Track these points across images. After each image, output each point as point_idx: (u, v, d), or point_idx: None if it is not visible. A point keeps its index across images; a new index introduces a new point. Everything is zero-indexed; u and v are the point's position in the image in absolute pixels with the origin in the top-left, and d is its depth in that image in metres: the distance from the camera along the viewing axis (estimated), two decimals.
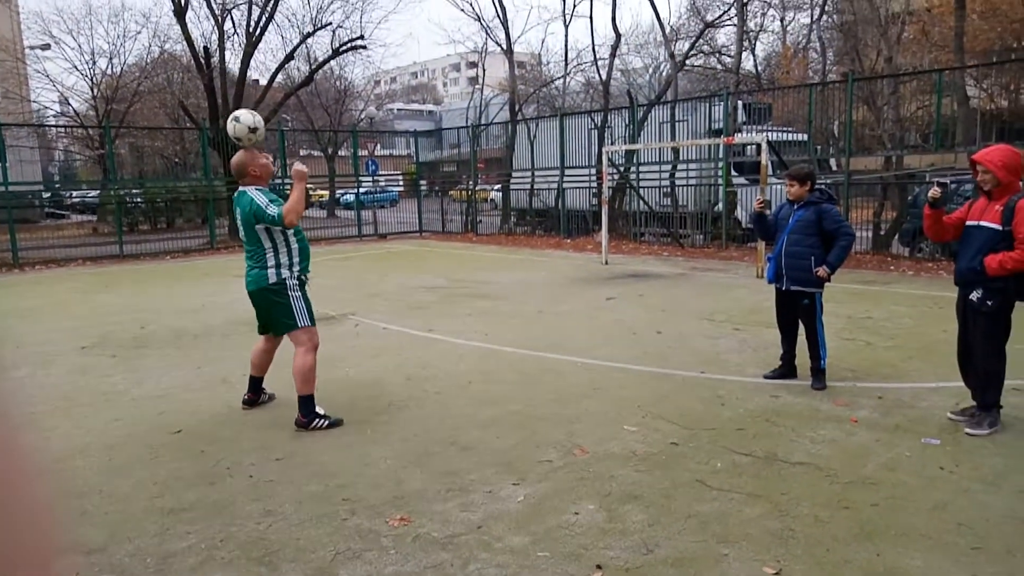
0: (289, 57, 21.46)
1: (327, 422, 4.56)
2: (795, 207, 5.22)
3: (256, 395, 5.05)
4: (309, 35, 21.51)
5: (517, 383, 5.51)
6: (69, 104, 27.49)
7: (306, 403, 4.56)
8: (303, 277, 4.68)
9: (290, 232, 4.58)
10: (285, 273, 4.58)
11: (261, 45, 21.92)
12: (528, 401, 5.05)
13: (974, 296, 4.28)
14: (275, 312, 4.63)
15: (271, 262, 4.57)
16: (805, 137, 14.09)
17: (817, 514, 3.30)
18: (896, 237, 13.20)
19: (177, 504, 3.56)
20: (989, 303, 4.21)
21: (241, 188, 4.57)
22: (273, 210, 4.41)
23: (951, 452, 3.97)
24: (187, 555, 3.08)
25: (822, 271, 5.05)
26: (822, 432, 4.33)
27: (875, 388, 5.16)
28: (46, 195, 24.55)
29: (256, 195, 4.49)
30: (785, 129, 15.33)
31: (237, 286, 11.13)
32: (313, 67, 23.22)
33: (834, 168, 14.42)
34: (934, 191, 4.36)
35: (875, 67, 16.73)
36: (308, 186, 24.08)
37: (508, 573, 2.88)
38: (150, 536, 3.25)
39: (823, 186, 5.37)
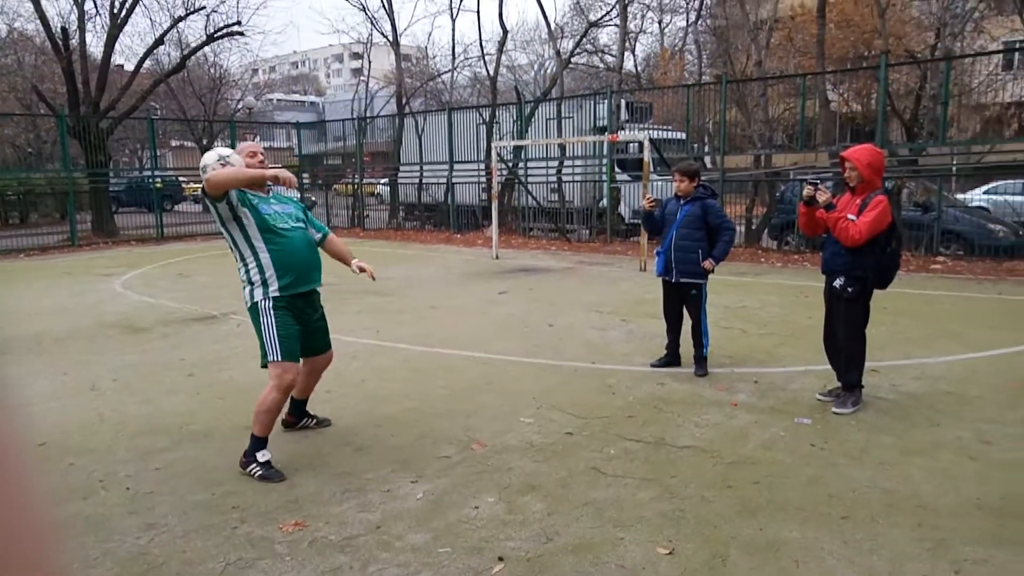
0: (159, 42, 20.17)
1: (260, 472, 3.73)
2: (682, 202, 5.45)
3: (296, 417, 4.40)
4: (181, 19, 20.28)
5: (411, 380, 5.45)
6: None
7: (253, 443, 3.79)
8: (288, 294, 3.84)
9: (257, 240, 3.77)
10: (258, 294, 3.80)
11: (127, 28, 20.49)
12: (423, 398, 5.01)
13: (837, 283, 4.63)
14: (258, 337, 3.87)
15: (243, 277, 3.86)
16: (683, 136, 14.73)
17: (704, 494, 3.46)
18: (766, 231, 14.06)
19: None
20: (850, 289, 4.56)
21: None
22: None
23: (821, 430, 4.27)
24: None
25: (708, 264, 5.31)
26: (706, 416, 4.55)
27: (752, 373, 5.48)
28: None
29: None
30: (664, 128, 15.97)
31: (103, 286, 10.44)
32: (185, 53, 21.96)
33: (708, 166, 15.16)
34: (808, 189, 4.67)
35: (745, 70, 17.72)
36: (182, 178, 22.55)
37: (409, 572, 2.85)
38: None
39: (705, 182, 5.64)
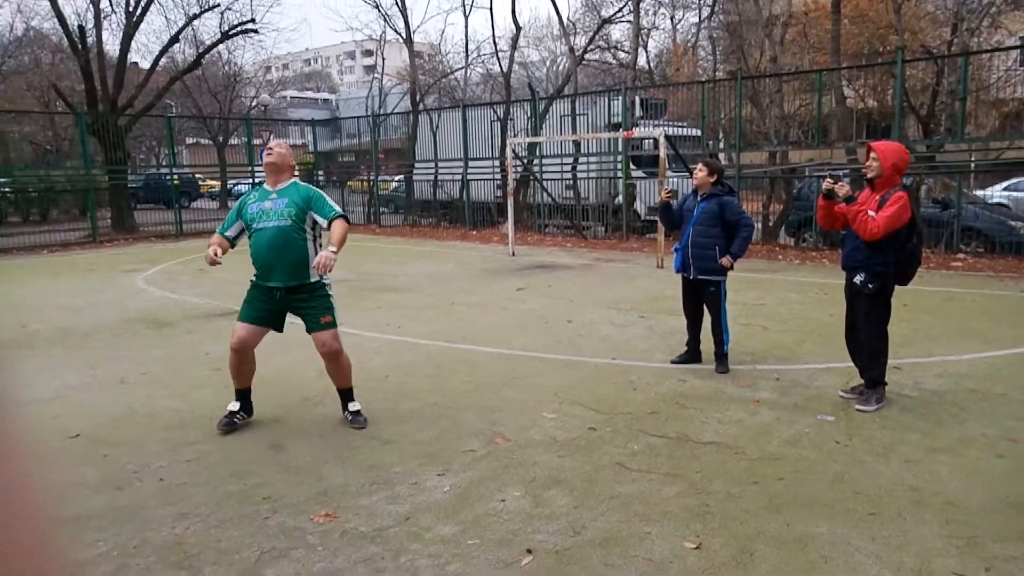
0: (174, 40, 20.31)
1: (222, 421, 4.38)
2: (699, 199, 5.46)
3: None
4: (195, 17, 20.44)
5: (434, 375, 5.50)
6: None
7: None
8: (258, 282, 4.38)
9: (246, 234, 4.43)
10: None
11: (143, 26, 20.59)
12: (446, 393, 5.05)
13: (857, 279, 4.62)
14: None
15: None
16: (698, 132, 14.70)
17: (729, 490, 3.49)
18: (783, 228, 14.00)
19: (81, 511, 3.35)
20: (870, 286, 4.55)
21: None
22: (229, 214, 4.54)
23: (844, 427, 4.28)
24: (99, 563, 2.91)
25: (726, 260, 5.31)
26: (728, 413, 4.57)
27: (773, 370, 5.49)
28: None
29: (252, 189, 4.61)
30: (679, 124, 15.92)
31: (126, 281, 10.56)
32: (200, 51, 22.10)
33: (725, 162, 15.12)
34: (827, 182, 4.67)
35: (759, 66, 17.63)
36: (199, 176, 22.79)
37: (440, 562, 2.89)
38: None
39: (725, 180, 5.64)
